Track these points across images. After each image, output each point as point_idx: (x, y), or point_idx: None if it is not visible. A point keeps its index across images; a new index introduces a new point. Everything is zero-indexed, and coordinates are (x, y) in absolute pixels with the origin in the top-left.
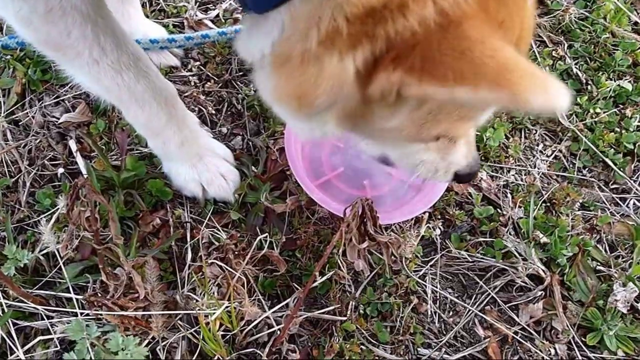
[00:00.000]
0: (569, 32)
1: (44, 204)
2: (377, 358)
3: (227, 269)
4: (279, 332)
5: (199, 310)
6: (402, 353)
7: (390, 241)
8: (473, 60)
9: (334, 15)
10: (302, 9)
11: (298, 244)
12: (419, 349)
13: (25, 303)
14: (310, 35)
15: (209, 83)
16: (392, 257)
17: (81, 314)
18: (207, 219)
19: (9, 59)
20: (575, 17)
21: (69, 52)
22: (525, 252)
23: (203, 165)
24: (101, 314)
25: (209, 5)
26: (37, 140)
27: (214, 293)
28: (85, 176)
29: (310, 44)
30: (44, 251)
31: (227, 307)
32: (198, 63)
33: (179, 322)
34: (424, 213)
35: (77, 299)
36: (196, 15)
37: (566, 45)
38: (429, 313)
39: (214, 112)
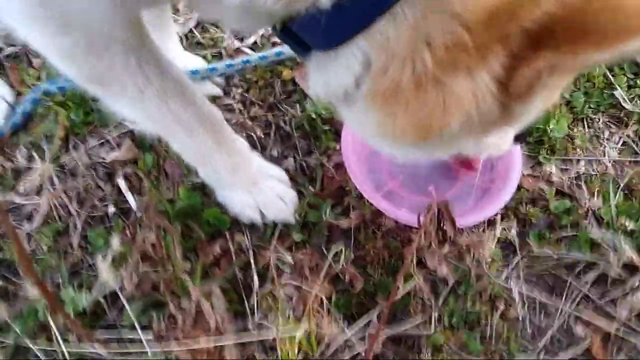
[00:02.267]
0: None
1: (97, 245)
2: None
3: (302, 288)
4: (362, 354)
5: (274, 336)
6: None
7: (471, 243)
8: (626, 12)
9: (446, 28)
10: (393, 33)
11: (367, 259)
12: (515, 356)
13: (88, 349)
14: (418, 60)
15: (254, 108)
16: (475, 262)
17: (149, 353)
18: (270, 243)
19: (51, 104)
20: None
21: (114, 85)
22: (614, 242)
23: (258, 189)
24: (171, 352)
25: (245, 36)
26: (85, 183)
27: (288, 316)
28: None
29: (424, 68)
30: (102, 293)
31: (305, 330)
32: (240, 90)
33: (254, 348)
34: (497, 214)
35: (143, 339)
36: (234, 44)
37: None
38: (520, 318)
39: (262, 135)
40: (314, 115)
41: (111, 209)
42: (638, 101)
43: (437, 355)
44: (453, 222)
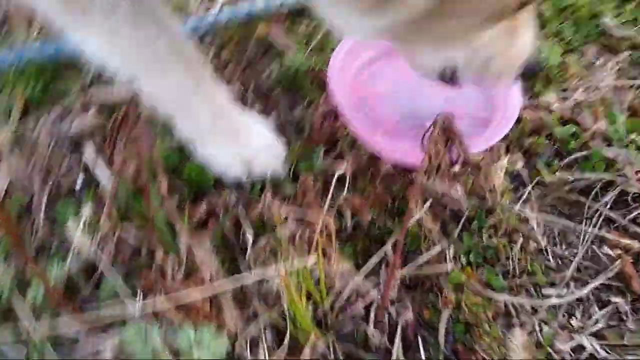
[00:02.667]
0: None
1: (66, 217)
2: (501, 304)
3: (305, 221)
4: (376, 301)
5: (279, 278)
6: (524, 297)
7: (482, 164)
8: None
9: None
10: None
11: (369, 205)
12: (542, 290)
13: (61, 329)
14: None
15: (228, 68)
16: (488, 190)
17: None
18: (261, 197)
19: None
20: None
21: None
22: (628, 156)
23: (243, 140)
24: (159, 313)
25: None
26: (50, 154)
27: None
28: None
29: None
30: (77, 264)
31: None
32: (213, 50)
33: (256, 303)
34: (500, 146)
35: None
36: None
37: None
38: (543, 250)
39: (240, 93)
40: (293, 67)
41: (80, 178)
42: (627, 26)
43: (460, 295)
44: (461, 138)
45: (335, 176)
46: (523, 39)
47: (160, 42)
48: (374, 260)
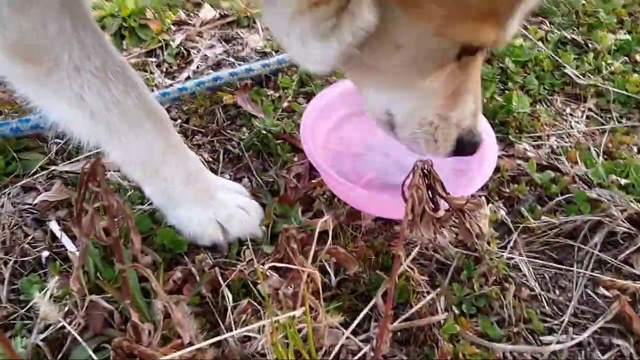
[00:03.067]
0: (544, 12)
1: (30, 293)
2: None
3: (289, 275)
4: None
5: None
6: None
7: (467, 207)
8: None
9: None
10: None
11: (354, 257)
12: (541, 337)
13: None
14: None
15: (197, 137)
16: (473, 232)
17: None
18: (238, 262)
19: None
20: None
21: (45, 58)
22: (613, 196)
23: (217, 202)
24: None
25: (175, 74)
26: (11, 231)
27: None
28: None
29: None
30: (42, 335)
31: (300, 321)
32: (179, 121)
33: None
34: (481, 196)
35: None
36: (164, 83)
37: (548, 22)
38: (538, 295)
39: (210, 159)
40: (264, 132)
41: (45, 254)
42: (590, 75)
43: (456, 346)
44: (442, 184)
45: (317, 230)
46: (463, 108)
47: (129, 100)
48: (363, 313)
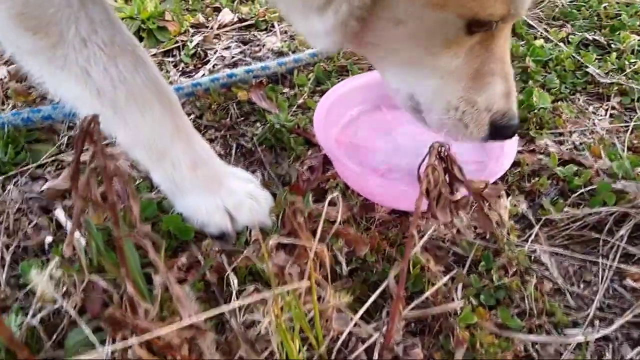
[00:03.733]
0: (565, 16)
1: (29, 276)
2: (520, 345)
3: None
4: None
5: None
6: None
7: (486, 193)
8: None
9: None
10: None
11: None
12: (565, 331)
13: None
14: None
15: (210, 131)
16: (492, 219)
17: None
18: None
19: None
20: (565, 2)
21: (51, 31)
22: (638, 188)
23: (225, 189)
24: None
25: (191, 74)
26: (16, 218)
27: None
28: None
29: None
30: (39, 315)
31: (305, 301)
32: (193, 116)
33: (242, 353)
34: (502, 192)
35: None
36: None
37: (569, 26)
38: (561, 290)
39: (222, 153)
40: (278, 126)
41: (48, 239)
42: (613, 74)
43: (474, 334)
44: (459, 166)
45: (326, 204)
46: (491, 90)
47: (137, 78)
48: (375, 295)
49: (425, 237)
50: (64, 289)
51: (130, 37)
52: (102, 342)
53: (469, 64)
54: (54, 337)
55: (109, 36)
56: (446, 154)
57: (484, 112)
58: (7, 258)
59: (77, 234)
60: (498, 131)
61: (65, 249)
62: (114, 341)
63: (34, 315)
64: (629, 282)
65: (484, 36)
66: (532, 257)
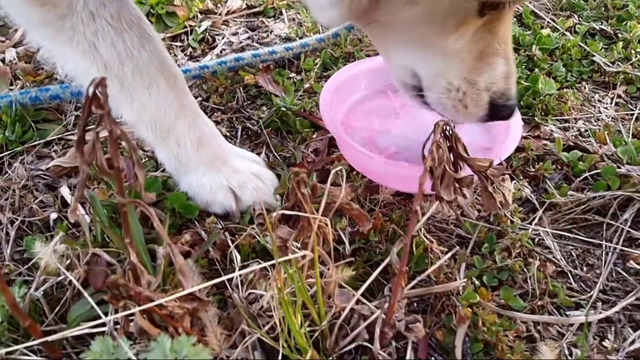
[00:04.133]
0: (572, 7)
1: (33, 251)
2: (522, 326)
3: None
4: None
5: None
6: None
7: (490, 172)
8: None
9: None
10: None
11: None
12: (567, 312)
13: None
14: None
15: (216, 113)
16: (496, 199)
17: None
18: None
19: None
20: None
21: (60, 3)
22: None
23: (230, 168)
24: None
25: (198, 59)
26: (22, 194)
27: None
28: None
29: None
30: (42, 288)
31: (307, 275)
32: (200, 99)
33: (244, 327)
34: (505, 174)
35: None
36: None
37: (577, 16)
38: (564, 272)
39: (228, 134)
40: (284, 109)
41: (53, 216)
42: (619, 63)
43: (477, 313)
44: (463, 144)
45: (327, 191)
46: (493, 71)
47: (144, 53)
48: (377, 272)
49: (428, 214)
50: (68, 262)
51: (136, 10)
52: (105, 315)
53: (475, 44)
54: (57, 310)
55: (116, 10)
56: (451, 132)
57: (484, 92)
58: (12, 233)
59: (81, 210)
60: (496, 110)
61: (70, 214)
62: (116, 312)
63: (37, 289)
64: (632, 264)
65: (491, 18)
66: (536, 240)
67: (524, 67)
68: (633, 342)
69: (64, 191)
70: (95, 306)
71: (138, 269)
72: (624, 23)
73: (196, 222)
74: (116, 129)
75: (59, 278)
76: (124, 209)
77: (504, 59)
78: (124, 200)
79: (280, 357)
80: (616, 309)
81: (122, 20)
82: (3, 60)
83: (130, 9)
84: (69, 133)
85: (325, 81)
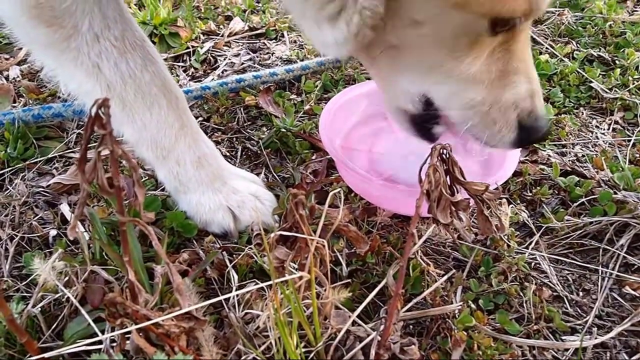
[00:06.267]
0: (571, 34)
1: (32, 267)
2: (518, 350)
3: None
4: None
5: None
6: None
7: (486, 196)
8: None
9: None
10: None
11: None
12: (563, 337)
13: None
14: None
15: (216, 134)
16: (492, 222)
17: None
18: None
19: None
20: (571, 20)
21: (65, 22)
22: (639, 198)
23: (229, 188)
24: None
25: (200, 79)
26: (21, 211)
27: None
28: None
29: None
30: (40, 305)
31: (304, 296)
32: (201, 119)
33: (240, 347)
34: (502, 199)
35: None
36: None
37: (575, 42)
38: (560, 297)
39: (228, 155)
40: (283, 130)
41: (53, 232)
42: (617, 90)
43: (472, 337)
44: (460, 169)
45: (324, 212)
46: (518, 88)
47: (146, 74)
48: (373, 293)
49: (425, 237)
50: (66, 279)
51: (140, 32)
52: (102, 332)
53: (493, 65)
54: (54, 326)
55: (120, 32)
56: (448, 155)
57: (510, 109)
58: (11, 249)
59: (80, 227)
60: (527, 132)
61: (69, 232)
62: (113, 330)
63: (34, 305)
64: (628, 290)
65: (506, 37)
66: (532, 264)
67: None
68: None
69: (64, 208)
70: (92, 323)
71: (136, 287)
72: (622, 50)
73: (194, 242)
74: (117, 149)
75: (57, 295)
76: (123, 227)
77: (526, 78)
78: (123, 219)
79: None
80: (612, 334)
81: (125, 41)
82: (7, 78)
83: (134, 31)
84: (70, 151)
85: (325, 103)
